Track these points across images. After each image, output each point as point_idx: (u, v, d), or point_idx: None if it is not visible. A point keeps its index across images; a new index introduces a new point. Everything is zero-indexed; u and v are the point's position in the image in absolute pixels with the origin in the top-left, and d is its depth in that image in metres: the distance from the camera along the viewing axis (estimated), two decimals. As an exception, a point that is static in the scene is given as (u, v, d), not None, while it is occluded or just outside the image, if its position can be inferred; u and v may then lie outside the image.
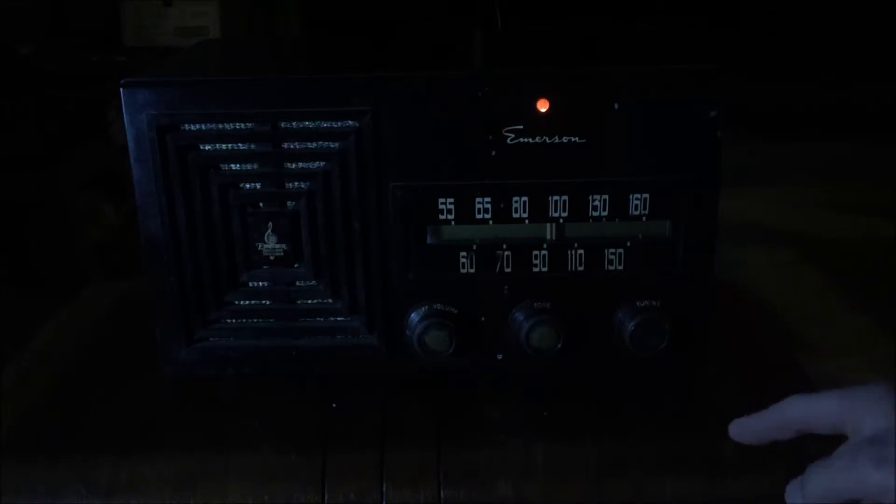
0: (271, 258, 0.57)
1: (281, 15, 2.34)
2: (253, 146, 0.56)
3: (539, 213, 0.57)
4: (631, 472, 0.54)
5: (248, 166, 0.56)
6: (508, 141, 0.55)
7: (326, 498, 0.53)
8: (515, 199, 0.56)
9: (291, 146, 0.56)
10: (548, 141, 0.55)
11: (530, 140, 0.55)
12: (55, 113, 1.75)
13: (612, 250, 0.57)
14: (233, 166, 0.56)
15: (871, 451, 0.45)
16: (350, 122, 0.55)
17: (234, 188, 0.56)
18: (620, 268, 0.58)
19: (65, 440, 0.57)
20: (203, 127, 0.55)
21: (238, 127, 0.55)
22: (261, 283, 0.58)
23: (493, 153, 0.55)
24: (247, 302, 0.59)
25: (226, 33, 2.02)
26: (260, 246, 0.57)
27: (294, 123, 0.55)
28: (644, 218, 0.57)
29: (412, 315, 0.58)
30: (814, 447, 0.51)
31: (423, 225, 0.57)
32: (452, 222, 0.57)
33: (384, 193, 0.56)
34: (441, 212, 0.56)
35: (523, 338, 0.57)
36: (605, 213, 0.57)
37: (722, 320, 0.59)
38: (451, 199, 0.56)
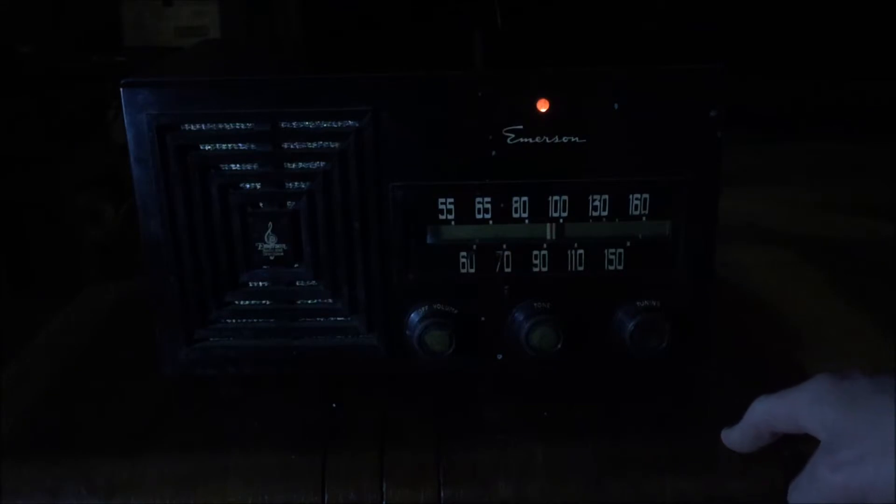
0: (271, 258, 0.57)
1: (281, 15, 2.34)
2: (253, 146, 0.56)
3: (539, 213, 0.57)
4: (631, 472, 0.54)
5: (248, 166, 0.56)
6: (508, 141, 0.55)
7: (326, 498, 0.53)
8: (515, 199, 0.56)
9: (291, 146, 0.55)
10: (548, 141, 0.55)
11: (530, 140, 0.55)
12: (55, 113, 1.75)
13: (612, 250, 0.57)
14: (233, 166, 0.56)
15: (826, 459, 0.46)
16: (350, 122, 0.55)
17: (234, 188, 0.56)
18: (620, 268, 0.58)
19: (65, 440, 0.57)
20: (203, 127, 0.55)
21: (238, 127, 0.55)
22: (261, 283, 0.58)
23: (493, 153, 0.55)
24: (247, 302, 0.59)
25: (226, 33, 2.02)
26: (260, 246, 0.57)
27: (294, 123, 0.55)
28: (644, 218, 0.57)
29: (412, 315, 0.58)
30: (806, 447, 0.51)
31: (423, 225, 0.57)
32: (452, 222, 0.57)
33: (384, 193, 0.56)
34: (441, 212, 0.56)
35: (523, 338, 0.57)
36: (604, 213, 0.57)
37: (722, 320, 0.59)
38: (451, 199, 0.56)
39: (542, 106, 0.54)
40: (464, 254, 0.57)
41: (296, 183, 0.56)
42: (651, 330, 0.57)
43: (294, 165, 0.56)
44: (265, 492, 0.53)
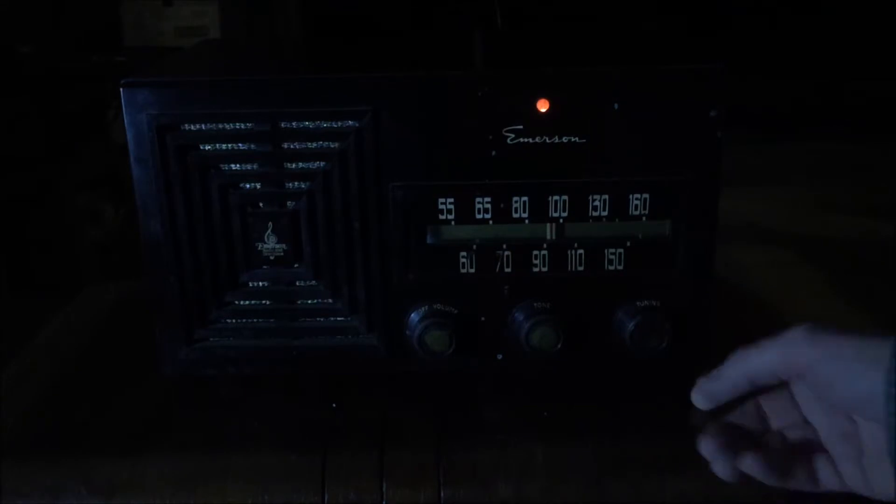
0: (271, 258, 0.57)
1: (281, 15, 2.34)
2: (253, 146, 0.56)
3: (539, 213, 0.57)
4: (631, 472, 0.54)
5: (248, 166, 0.56)
6: (508, 141, 0.55)
7: (326, 498, 0.53)
8: (515, 199, 0.56)
9: (291, 146, 0.55)
10: (548, 141, 0.55)
11: (530, 140, 0.55)
12: (55, 113, 1.76)
13: (612, 250, 0.57)
14: (233, 166, 0.56)
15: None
16: (350, 122, 0.55)
17: (234, 188, 0.56)
18: (620, 268, 0.58)
19: (65, 440, 0.57)
20: (203, 127, 0.55)
21: (238, 127, 0.55)
22: (261, 283, 0.58)
23: (493, 153, 0.55)
24: (247, 302, 0.59)
25: (226, 33, 2.02)
26: (260, 246, 0.57)
27: (294, 123, 0.55)
28: (644, 218, 0.57)
29: (412, 315, 0.58)
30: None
31: (423, 225, 0.57)
32: (452, 222, 0.57)
33: (384, 193, 0.56)
34: (441, 212, 0.56)
35: (523, 338, 0.57)
36: (604, 213, 0.57)
37: (722, 320, 0.59)
38: (451, 199, 0.56)
39: (542, 106, 0.54)
40: (464, 254, 0.57)
41: (296, 183, 0.56)
42: (651, 330, 0.57)
43: (294, 165, 0.56)
44: (265, 492, 0.53)
